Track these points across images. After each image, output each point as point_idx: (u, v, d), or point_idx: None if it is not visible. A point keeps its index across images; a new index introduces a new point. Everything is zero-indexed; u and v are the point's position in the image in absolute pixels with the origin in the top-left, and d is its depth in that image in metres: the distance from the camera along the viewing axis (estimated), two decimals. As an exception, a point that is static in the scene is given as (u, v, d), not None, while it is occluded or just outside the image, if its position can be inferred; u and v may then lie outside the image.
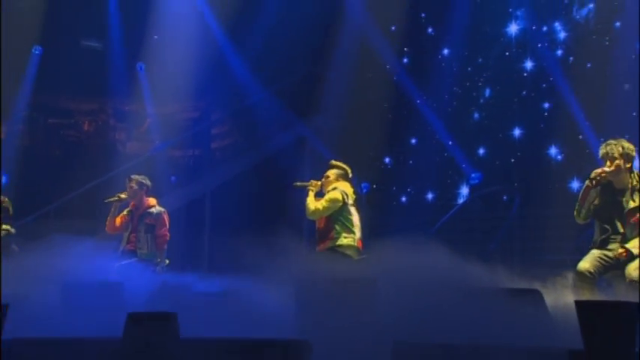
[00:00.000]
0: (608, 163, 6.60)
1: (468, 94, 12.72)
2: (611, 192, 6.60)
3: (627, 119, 10.36)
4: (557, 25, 11.81)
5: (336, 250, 7.70)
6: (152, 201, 9.08)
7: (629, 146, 6.64)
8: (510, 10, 12.32)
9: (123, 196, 9.03)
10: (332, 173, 8.09)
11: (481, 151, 12.44)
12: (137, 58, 13.70)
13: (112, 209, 9.06)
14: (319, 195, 8.00)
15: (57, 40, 13.36)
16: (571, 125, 11.16)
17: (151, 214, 8.97)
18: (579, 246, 9.50)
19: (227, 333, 4.71)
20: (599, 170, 6.59)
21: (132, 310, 4.55)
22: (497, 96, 12.40)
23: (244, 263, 6.78)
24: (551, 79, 11.69)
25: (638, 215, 6.47)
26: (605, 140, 6.89)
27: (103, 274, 7.37)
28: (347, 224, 7.80)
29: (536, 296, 4.36)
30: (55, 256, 7.33)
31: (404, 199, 13.15)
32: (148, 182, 9.13)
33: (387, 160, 13.47)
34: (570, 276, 6.85)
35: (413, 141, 13.26)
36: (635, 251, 6.34)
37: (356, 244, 7.80)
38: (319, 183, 8.06)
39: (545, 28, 11.95)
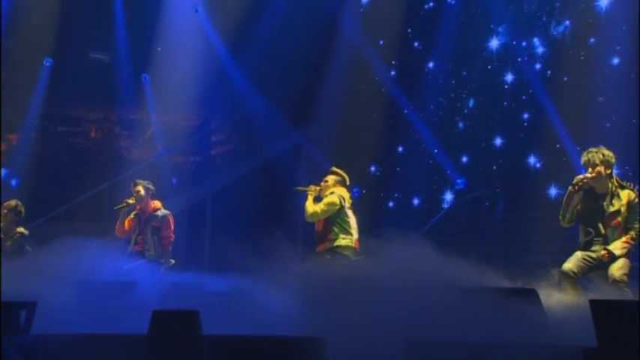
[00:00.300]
0: (589, 169, 6.61)
1: (453, 105, 12.69)
2: (593, 197, 6.62)
3: (602, 130, 10.36)
4: (536, 41, 11.80)
5: (335, 251, 7.71)
6: (157, 204, 9.02)
7: (609, 154, 6.66)
8: (492, 26, 12.31)
9: (130, 201, 8.97)
10: (331, 179, 8.10)
11: (465, 158, 12.41)
12: (142, 70, 13.71)
13: (121, 214, 8.99)
14: (317, 199, 7.99)
15: (67, 52, 13.34)
16: (549, 135, 11.15)
17: (156, 216, 8.91)
18: (560, 247, 9.54)
19: (238, 331, 4.65)
20: (581, 176, 6.61)
21: (145, 308, 4.50)
22: (480, 107, 12.38)
23: (243, 263, 6.73)
24: (530, 91, 11.67)
25: (618, 219, 6.49)
26: (584, 149, 6.90)
27: (115, 275, 7.29)
28: (344, 226, 7.80)
29: (532, 295, 4.31)
30: (68, 257, 7.25)
31: (391, 204, 13.11)
32: (152, 187, 9.07)
33: (375, 167, 13.41)
34: (552, 275, 6.86)
35: (400, 149, 13.22)
36: (617, 252, 6.37)
37: (353, 245, 7.81)
38: (318, 188, 8.07)
39: (524, 44, 11.94)
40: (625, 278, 6.28)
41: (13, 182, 13.11)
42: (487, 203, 11.93)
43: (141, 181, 9.08)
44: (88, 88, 13.50)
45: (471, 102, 12.52)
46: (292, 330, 4.65)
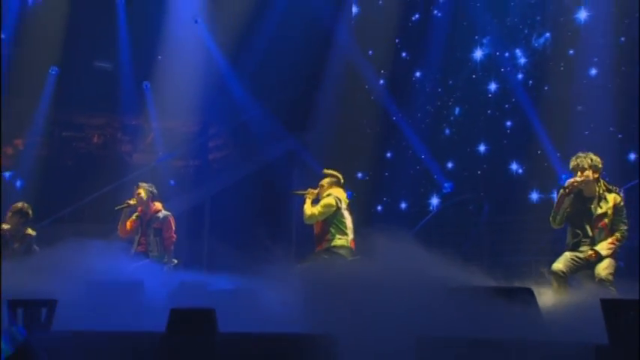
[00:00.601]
0: (578, 173, 6.57)
1: (439, 113, 12.66)
2: (582, 200, 6.60)
3: (580, 137, 10.35)
4: (518, 52, 11.79)
5: (332, 251, 7.66)
6: (158, 206, 8.89)
7: (596, 159, 6.66)
8: (477, 37, 12.31)
9: (131, 202, 8.83)
10: (326, 181, 8.05)
11: (450, 164, 12.37)
12: (143, 78, 13.66)
13: (122, 215, 8.84)
14: (315, 202, 7.91)
15: (72, 61, 13.30)
16: (531, 141, 11.13)
17: (158, 218, 8.78)
18: (542, 248, 9.51)
19: (244, 328, 4.55)
20: (571, 180, 6.59)
21: (154, 307, 4.39)
22: (465, 114, 12.36)
23: (240, 263, 6.65)
24: (513, 99, 11.66)
25: (605, 220, 6.47)
26: (564, 155, 6.88)
27: (121, 274, 7.16)
28: (341, 227, 7.75)
29: (529, 294, 4.24)
30: (74, 257, 7.13)
31: (380, 208, 13.04)
32: (153, 189, 8.94)
33: (364, 172, 13.33)
34: (542, 274, 6.82)
35: (389, 154, 13.16)
36: (603, 253, 6.36)
37: (349, 244, 7.76)
38: (315, 191, 7.99)
39: (507, 54, 11.93)
40: (610, 277, 6.28)
41: (18, 184, 13.00)
42: (472, 207, 11.89)
43: (143, 184, 8.95)
44: (91, 95, 13.44)
45: (457, 110, 12.50)
46: (294, 327, 4.56)
